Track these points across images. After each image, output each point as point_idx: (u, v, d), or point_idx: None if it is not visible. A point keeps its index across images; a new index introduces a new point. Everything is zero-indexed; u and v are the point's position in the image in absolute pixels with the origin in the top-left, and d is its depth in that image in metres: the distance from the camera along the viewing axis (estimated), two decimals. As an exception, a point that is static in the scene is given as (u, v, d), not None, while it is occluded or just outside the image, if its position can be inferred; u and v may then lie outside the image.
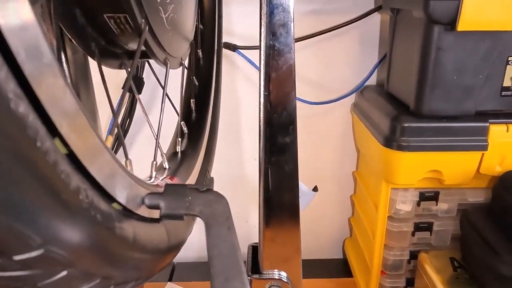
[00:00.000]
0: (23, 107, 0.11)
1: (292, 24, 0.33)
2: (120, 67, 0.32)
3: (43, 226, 0.13)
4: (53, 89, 0.13)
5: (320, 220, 0.95)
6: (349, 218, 0.95)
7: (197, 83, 0.51)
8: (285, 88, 0.36)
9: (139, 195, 0.22)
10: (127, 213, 0.21)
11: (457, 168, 0.63)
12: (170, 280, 0.86)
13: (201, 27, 0.58)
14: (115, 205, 0.19)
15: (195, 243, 0.94)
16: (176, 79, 0.47)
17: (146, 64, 0.66)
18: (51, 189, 0.13)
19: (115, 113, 0.26)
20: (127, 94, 0.84)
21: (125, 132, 0.82)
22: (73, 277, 0.16)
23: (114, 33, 0.28)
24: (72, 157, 0.14)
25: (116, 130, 0.28)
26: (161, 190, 0.24)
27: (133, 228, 0.21)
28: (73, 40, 0.27)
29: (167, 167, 0.34)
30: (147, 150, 0.47)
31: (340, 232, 0.97)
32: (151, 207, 0.23)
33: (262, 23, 0.33)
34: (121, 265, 0.20)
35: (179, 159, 0.38)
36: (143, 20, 0.25)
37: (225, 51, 0.78)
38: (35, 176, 0.12)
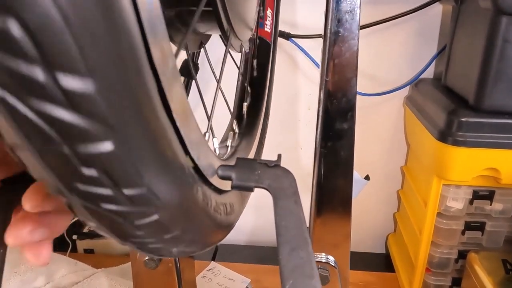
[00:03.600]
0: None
1: (358, 11, 0.34)
2: (199, 48, 0.34)
3: (152, 170, 0.16)
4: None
5: (365, 214, 0.95)
6: (394, 213, 0.93)
7: (256, 66, 0.53)
8: (346, 74, 0.36)
9: (213, 166, 0.24)
10: (204, 179, 0.23)
11: (516, 168, 0.60)
12: (213, 259, 0.89)
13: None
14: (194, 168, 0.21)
15: (241, 228, 0.97)
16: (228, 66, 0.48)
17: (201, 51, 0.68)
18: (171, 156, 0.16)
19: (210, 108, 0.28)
20: (182, 78, 0.87)
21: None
22: (161, 223, 0.18)
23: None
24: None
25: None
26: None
27: (206, 194, 0.23)
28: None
29: (230, 145, 0.36)
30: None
31: (384, 226, 0.96)
32: (224, 178, 0.25)
33: (329, 8, 0.34)
34: (193, 224, 0.22)
35: (238, 139, 0.40)
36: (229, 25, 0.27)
37: (278, 39, 0.79)
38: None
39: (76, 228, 0.89)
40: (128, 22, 0.12)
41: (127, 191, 0.15)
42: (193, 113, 0.20)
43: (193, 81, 0.79)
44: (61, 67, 0.11)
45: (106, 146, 0.13)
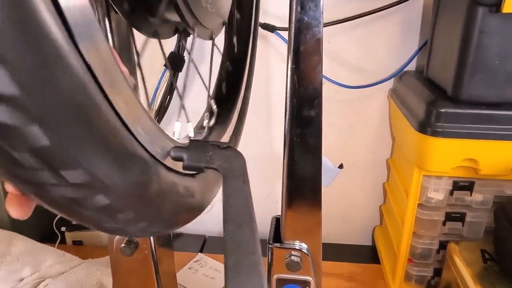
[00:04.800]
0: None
1: (321, -2, 0.34)
2: (153, 36, 0.34)
3: (97, 159, 0.17)
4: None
5: (352, 207, 0.95)
6: (381, 206, 0.94)
7: (229, 65, 0.53)
8: (312, 62, 0.37)
9: (166, 148, 0.25)
10: (156, 161, 0.23)
11: (495, 158, 0.61)
12: (201, 251, 0.90)
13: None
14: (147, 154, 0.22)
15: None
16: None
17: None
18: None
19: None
20: (167, 72, 0.87)
21: (165, 108, 0.86)
22: (111, 205, 0.19)
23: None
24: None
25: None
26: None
27: (160, 175, 0.24)
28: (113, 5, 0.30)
29: (206, 126, 0.37)
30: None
31: (370, 219, 0.96)
32: (176, 158, 0.25)
33: (292, -4, 0.34)
34: (147, 205, 0.23)
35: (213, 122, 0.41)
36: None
37: (263, 32, 0.79)
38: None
39: (64, 220, 0.90)
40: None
41: (69, 177, 0.16)
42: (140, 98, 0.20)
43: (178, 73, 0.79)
44: None
45: (43, 142, 0.15)
